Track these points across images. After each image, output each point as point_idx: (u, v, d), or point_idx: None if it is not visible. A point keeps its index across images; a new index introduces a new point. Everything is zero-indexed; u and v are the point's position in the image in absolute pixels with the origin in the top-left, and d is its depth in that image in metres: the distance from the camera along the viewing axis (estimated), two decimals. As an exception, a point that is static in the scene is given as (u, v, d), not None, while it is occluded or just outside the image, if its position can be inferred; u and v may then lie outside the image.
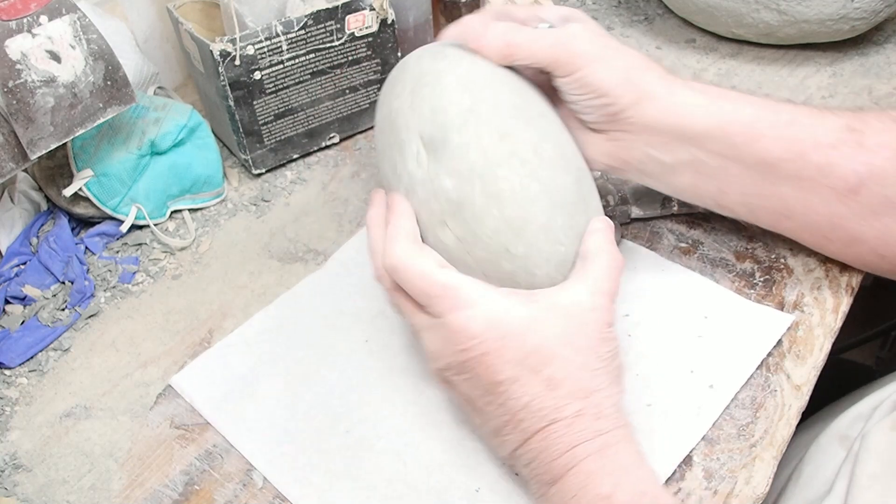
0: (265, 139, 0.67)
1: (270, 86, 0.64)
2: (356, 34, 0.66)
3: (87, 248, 0.62)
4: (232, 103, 0.63)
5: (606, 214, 0.46)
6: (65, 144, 0.57)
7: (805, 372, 0.48)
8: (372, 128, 0.74)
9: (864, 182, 0.46)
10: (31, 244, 0.63)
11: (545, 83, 0.47)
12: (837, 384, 0.63)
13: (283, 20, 0.61)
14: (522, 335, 0.38)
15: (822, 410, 0.61)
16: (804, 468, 0.50)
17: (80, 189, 0.60)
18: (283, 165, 0.70)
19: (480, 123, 0.41)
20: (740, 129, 0.46)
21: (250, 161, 0.67)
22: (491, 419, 0.40)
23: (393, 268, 0.41)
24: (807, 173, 0.46)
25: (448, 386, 0.42)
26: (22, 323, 0.56)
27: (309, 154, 0.71)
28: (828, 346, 0.50)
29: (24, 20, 0.50)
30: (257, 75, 0.62)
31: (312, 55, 0.64)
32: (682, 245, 0.57)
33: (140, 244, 0.63)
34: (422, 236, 0.43)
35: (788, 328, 0.50)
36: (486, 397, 0.39)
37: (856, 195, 0.46)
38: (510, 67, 0.46)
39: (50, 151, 0.53)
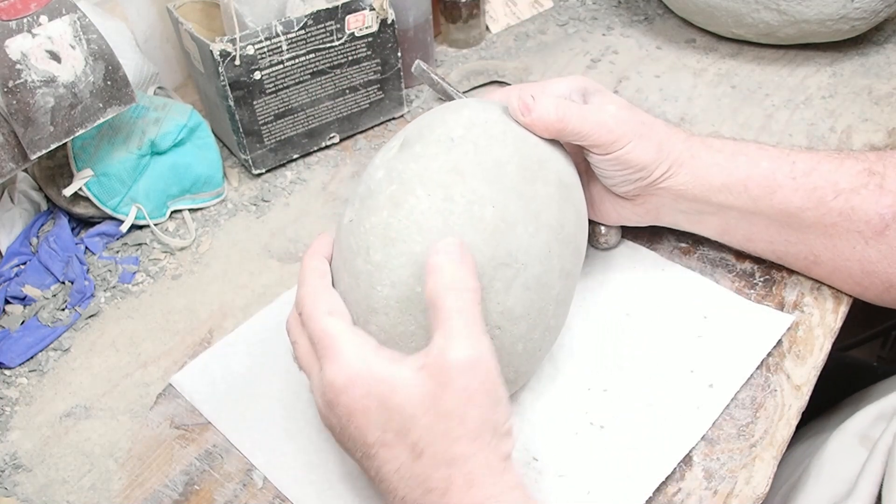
0: (265, 139, 0.67)
1: (270, 86, 0.64)
2: (356, 34, 0.66)
3: (87, 248, 0.62)
4: (232, 103, 0.63)
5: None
6: (65, 144, 0.57)
7: (805, 372, 0.48)
8: (372, 127, 0.74)
9: (889, 224, 0.46)
10: (31, 244, 0.63)
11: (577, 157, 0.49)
12: (839, 382, 0.63)
13: (283, 20, 0.61)
14: (384, 396, 0.35)
15: (829, 410, 0.60)
16: (820, 468, 0.50)
17: (80, 189, 0.60)
18: (283, 165, 0.70)
19: (453, 147, 0.41)
20: (757, 182, 0.48)
21: (250, 161, 0.67)
22: (378, 483, 0.37)
23: (301, 309, 0.40)
24: (829, 219, 0.47)
25: (342, 448, 0.40)
26: (22, 323, 0.56)
27: (309, 154, 0.71)
28: (828, 346, 0.50)
29: (24, 20, 0.50)
30: (257, 75, 0.62)
31: (312, 55, 0.64)
32: (682, 245, 0.57)
33: (140, 244, 0.63)
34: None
35: (788, 328, 0.50)
36: (365, 461, 0.37)
37: (882, 237, 0.46)
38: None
39: (50, 151, 0.53)
